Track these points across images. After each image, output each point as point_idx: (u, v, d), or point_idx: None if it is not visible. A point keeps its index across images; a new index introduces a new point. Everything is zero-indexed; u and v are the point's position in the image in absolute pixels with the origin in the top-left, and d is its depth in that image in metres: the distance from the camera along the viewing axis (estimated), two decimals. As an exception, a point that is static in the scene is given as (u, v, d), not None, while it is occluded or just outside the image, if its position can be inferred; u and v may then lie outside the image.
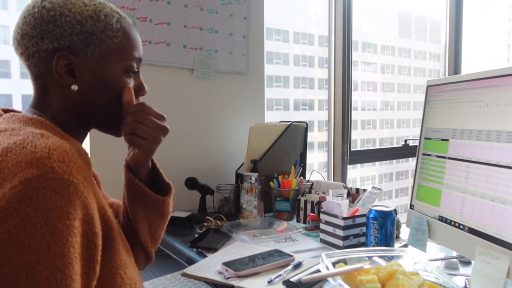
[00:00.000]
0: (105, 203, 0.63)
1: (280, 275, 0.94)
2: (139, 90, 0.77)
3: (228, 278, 0.95)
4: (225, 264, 0.99)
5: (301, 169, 1.67)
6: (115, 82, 0.71)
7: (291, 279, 0.91)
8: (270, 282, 0.92)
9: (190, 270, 1.02)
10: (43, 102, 0.70)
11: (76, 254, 0.54)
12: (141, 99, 0.79)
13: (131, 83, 0.74)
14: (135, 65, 0.74)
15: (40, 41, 0.66)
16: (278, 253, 1.07)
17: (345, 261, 0.84)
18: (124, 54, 0.71)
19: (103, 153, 1.35)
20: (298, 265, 1.00)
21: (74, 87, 0.68)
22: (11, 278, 0.49)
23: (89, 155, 0.67)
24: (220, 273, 0.98)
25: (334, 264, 0.81)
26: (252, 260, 1.02)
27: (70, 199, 0.53)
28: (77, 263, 0.54)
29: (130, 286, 0.65)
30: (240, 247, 1.17)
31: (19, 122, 0.64)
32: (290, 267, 0.99)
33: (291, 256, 1.04)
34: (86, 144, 1.29)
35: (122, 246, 0.66)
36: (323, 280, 0.85)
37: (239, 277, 0.95)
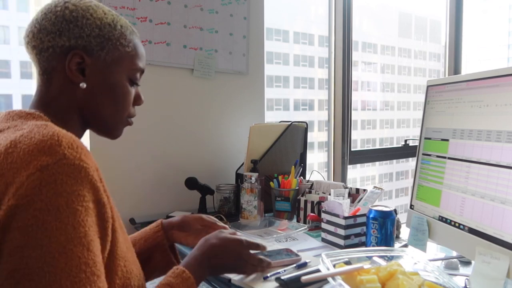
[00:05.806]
0: (108, 191, 0.65)
1: (278, 272, 0.95)
2: (137, 99, 0.82)
3: None
4: None
5: (301, 169, 1.67)
6: (120, 87, 0.76)
7: (284, 277, 0.91)
8: (265, 278, 0.93)
9: None
10: (46, 99, 0.72)
11: (94, 232, 0.58)
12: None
13: (132, 91, 0.79)
14: (138, 75, 0.80)
15: (57, 37, 0.69)
16: (286, 251, 1.07)
17: (349, 262, 0.84)
18: (133, 63, 0.77)
19: (102, 153, 1.35)
20: (302, 265, 1.00)
21: (83, 85, 0.71)
22: (46, 259, 0.53)
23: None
24: None
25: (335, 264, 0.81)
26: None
27: (83, 183, 0.57)
28: (96, 240, 0.58)
29: (129, 280, 0.67)
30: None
31: (18, 118, 0.67)
32: (292, 266, 0.99)
33: (298, 256, 1.04)
34: (85, 143, 1.29)
35: (123, 239, 0.69)
36: (323, 280, 0.85)
37: None
